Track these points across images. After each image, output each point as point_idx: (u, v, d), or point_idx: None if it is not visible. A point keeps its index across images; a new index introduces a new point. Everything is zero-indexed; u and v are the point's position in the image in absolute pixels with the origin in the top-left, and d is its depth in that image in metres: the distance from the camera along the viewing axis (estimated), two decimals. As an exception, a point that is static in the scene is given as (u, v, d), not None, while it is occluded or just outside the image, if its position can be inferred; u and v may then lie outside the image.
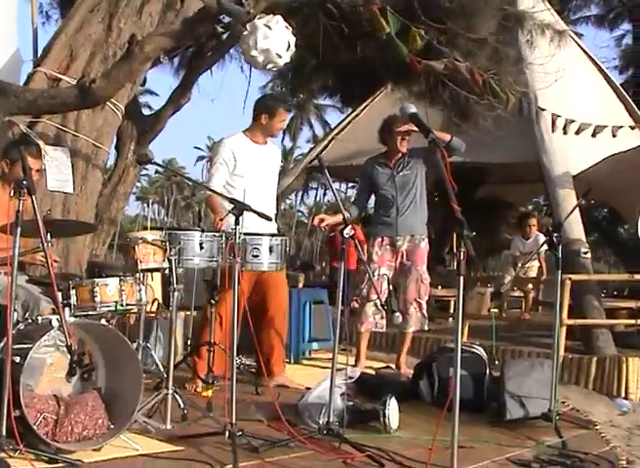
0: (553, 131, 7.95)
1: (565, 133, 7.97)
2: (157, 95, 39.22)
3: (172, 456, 3.42)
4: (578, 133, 8.04)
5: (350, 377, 4.34)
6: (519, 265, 8.45)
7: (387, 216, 5.62)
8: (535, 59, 7.47)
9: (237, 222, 3.68)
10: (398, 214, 5.59)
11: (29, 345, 3.24)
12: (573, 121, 8.06)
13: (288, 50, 5.16)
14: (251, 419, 4.01)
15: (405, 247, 5.61)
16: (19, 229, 3.15)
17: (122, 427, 3.46)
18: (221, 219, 4.50)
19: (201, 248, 4.07)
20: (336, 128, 11.01)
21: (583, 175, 7.65)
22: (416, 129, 4.03)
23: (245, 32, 5.08)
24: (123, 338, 3.60)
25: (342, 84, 8.40)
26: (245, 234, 3.99)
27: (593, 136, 8.21)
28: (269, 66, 5.23)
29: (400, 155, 5.63)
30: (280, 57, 5.12)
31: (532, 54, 7.60)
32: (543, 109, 7.91)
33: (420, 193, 5.65)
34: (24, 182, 3.17)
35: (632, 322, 7.28)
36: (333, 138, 10.60)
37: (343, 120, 10.81)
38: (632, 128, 8.92)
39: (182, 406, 3.91)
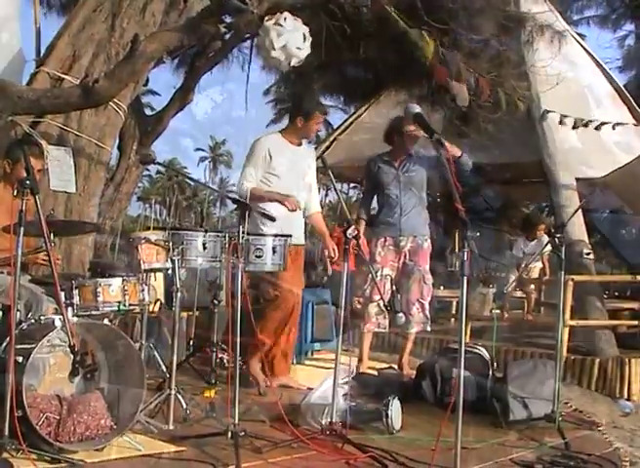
0: (561, 123, 7.92)
1: (575, 127, 7.96)
2: (159, 95, 39.20)
3: (174, 457, 3.42)
4: (586, 125, 8.02)
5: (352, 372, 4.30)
6: (522, 266, 8.45)
7: (391, 217, 5.60)
8: (537, 61, 7.46)
9: (240, 222, 3.68)
10: (402, 214, 5.57)
11: (32, 345, 3.24)
12: (582, 119, 8.05)
13: (305, 41, 5.10)
14: (253, 420, 4.01)
15: (408, 247, 5.59)
16: (22, 229, 3.15)
17: (124, 427, 3.46)
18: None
19: (204, 248, 4.08)
20: (338, 128, 10.99)
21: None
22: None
23: (258, 38, 5.06)
24: (126, 338, 3.60)
25: (345, 84, 8.38)
26: (248, 234, 3.98)
27: (597, 128, 8.20)
28: (293, 62, 5.14)
29: (405, 156, 5.62)
30: (300, 49, 5.06)
31: (534, 56, 7.58)
32: (551, 111, 7.88)
33: (423, 194, 5.64)
34: (27, 182, 3.17)
35: (635, 323, 7.26)
36: (335, 139, 10.58)
37: (346, 120, 10.79)
38: (636, 125, 8.91)
39: (185, 406, 3.91)
